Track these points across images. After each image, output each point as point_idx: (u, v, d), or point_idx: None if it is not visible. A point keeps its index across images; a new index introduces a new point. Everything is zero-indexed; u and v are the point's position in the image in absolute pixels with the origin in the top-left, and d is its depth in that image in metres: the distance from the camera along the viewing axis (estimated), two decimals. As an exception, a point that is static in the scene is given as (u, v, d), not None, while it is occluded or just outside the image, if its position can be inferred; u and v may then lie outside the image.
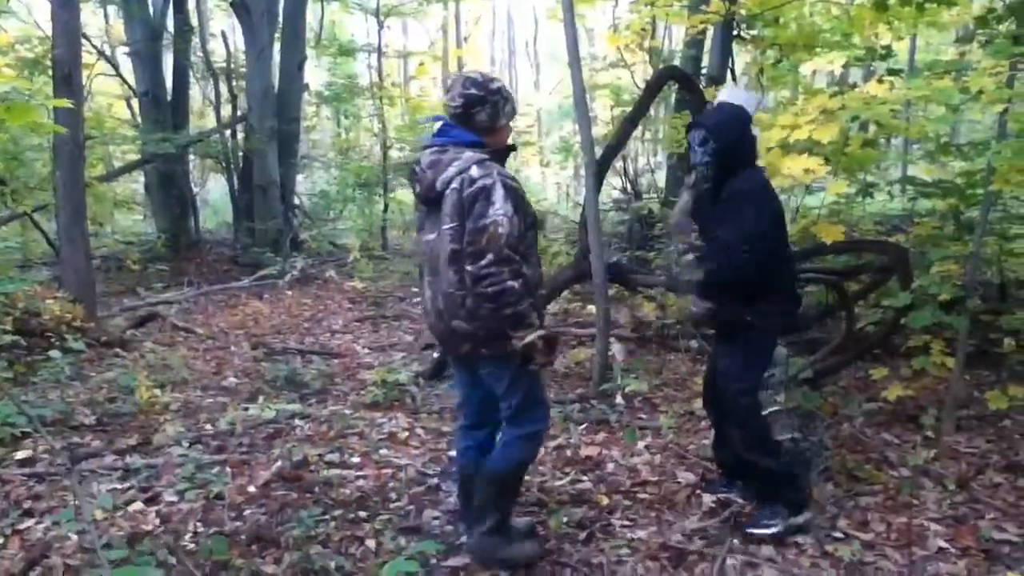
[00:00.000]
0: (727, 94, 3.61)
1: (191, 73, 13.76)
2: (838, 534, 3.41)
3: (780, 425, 4.26)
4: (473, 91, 2.95)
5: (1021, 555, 3.19)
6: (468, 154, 2.92)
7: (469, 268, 2.83)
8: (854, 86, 6.07)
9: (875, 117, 4.42)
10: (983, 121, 11.79)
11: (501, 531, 3.22)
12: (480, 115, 2.97)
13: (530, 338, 2.85)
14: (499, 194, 2.83)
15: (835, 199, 6.94)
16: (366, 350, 7.14)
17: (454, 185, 2.88)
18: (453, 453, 4.43)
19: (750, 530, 3.42)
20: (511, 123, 3.12)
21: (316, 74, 17.09)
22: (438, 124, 3.03)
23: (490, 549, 3.21)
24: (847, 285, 5.75)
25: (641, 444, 4.47)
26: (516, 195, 2.88)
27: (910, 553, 3.22)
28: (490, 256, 2.78)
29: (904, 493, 3.74)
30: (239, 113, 13.28)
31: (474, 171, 2.87)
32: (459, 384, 3.32)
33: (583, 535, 3.45)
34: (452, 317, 2.97)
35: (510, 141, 3.15)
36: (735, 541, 3.37)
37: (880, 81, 4.77)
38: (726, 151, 3.39)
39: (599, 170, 5.74)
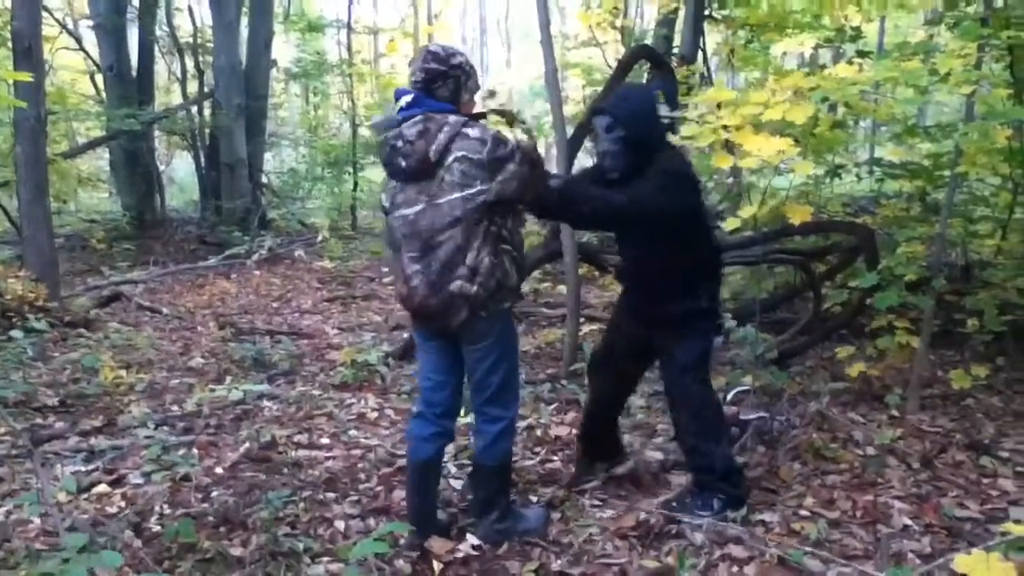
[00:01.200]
0: None
1: (157, 48, 13.52)
2: (805, 512, 3.45)
3: (748, 404, 4.31)
4: (434, 65, 2.92)
5: (982, 531, 3.24)
6: (453, 118, 2.89)
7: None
8: (823, 68, 6.10)
9: (845, 98, 4.44)
10: (950, 103, 11.90)
11: (510, 513, 3.29)
12: (442, 90, 2.94)
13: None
14: (504, 136, 2.94)
15: (804, 180, 6.98)
16: (335, 330, 7.10)
17: (457, 153, 2.85)
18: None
19: (679, 516, 3.37)
20: (474, 97, 3.08)
21: (284, 50, 16.86)
22: (409, 97, 2.94)
23: (508, 532, 3.26)
24: (815, 266, 5.81)
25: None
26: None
27: (875, 530, 3.26)
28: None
29: (869, 471, 3.78)
30: (206, 89, 13.07)
31: (473, 132, 2.87)
32: (434, 370, 3.22)
33: (553, 515, 3.45)
34: (449, 281, 2.91)
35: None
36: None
37: (850, 63, 4.79)
38: (635, 140, 3.26)
39: (570, 149, 5.71)
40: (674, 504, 3.49)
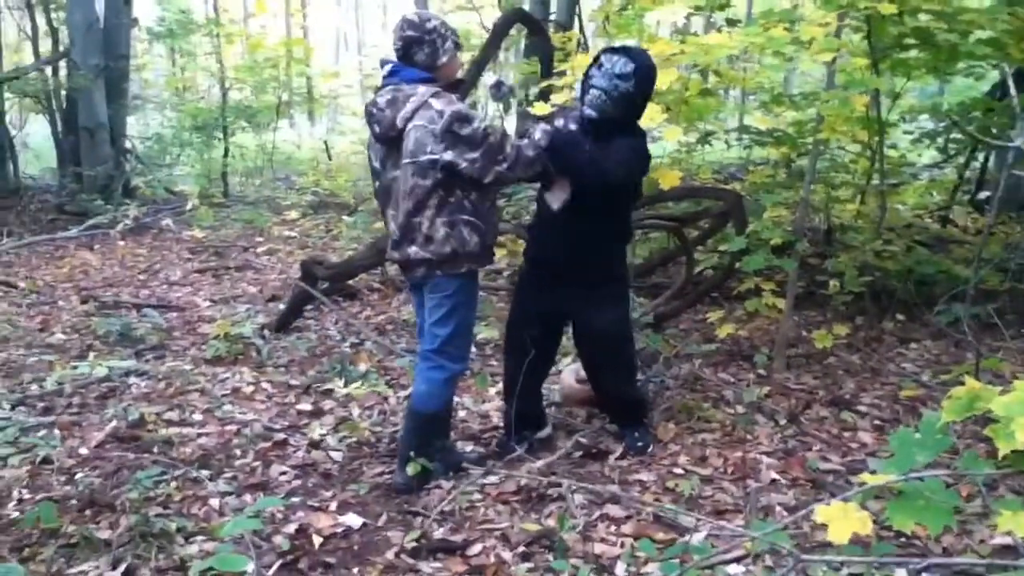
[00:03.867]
0: None
1: (3, 3, 12.58)
2: (679, 470, 3.57)
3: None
4: (410, 33, 3.14)
5: (843, 482, 3.43)
6: (422, 89, 3.10)
7: (501, 170, 3.12)
8: (695, 35, 6.22)
9: (712, 65, 4.53)
10: (814, 74, 12.39)
11: (447, 452, 3.55)
12: (419, 55, 3.15)
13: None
14: (470, 113, 3.12)
15: (676, 147, 7.14)
16: (207, 302, 6.85)
17: (417, 122, 3.06)
18: (302, 406, 4.37)
19: (630, 451, 3.71)
20: (458, 56, 3.29)
21: (146, 8, 16.01)
22: (389, 66, 3.18)
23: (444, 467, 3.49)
24: (687, 231, 5.96)
25: (492, 390, 4.50)
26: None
27: (745, 485, 3.40)
28: (505, 150, 3.13)
29: (739, 429, 3.94)
30: (61, 49, 12.27)
31: (435, 104, 3.06)
32: (418, 312, 3.52)
33: (435, 484, 3.45)
34: (409, 244, 3.20)
35: (460, 75, 3.40)
36: (581, 479, 3.46)
37: (719, 31, 4.90)
38: (634, 98, 3.34)
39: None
40: (636, 444, 3.76)
